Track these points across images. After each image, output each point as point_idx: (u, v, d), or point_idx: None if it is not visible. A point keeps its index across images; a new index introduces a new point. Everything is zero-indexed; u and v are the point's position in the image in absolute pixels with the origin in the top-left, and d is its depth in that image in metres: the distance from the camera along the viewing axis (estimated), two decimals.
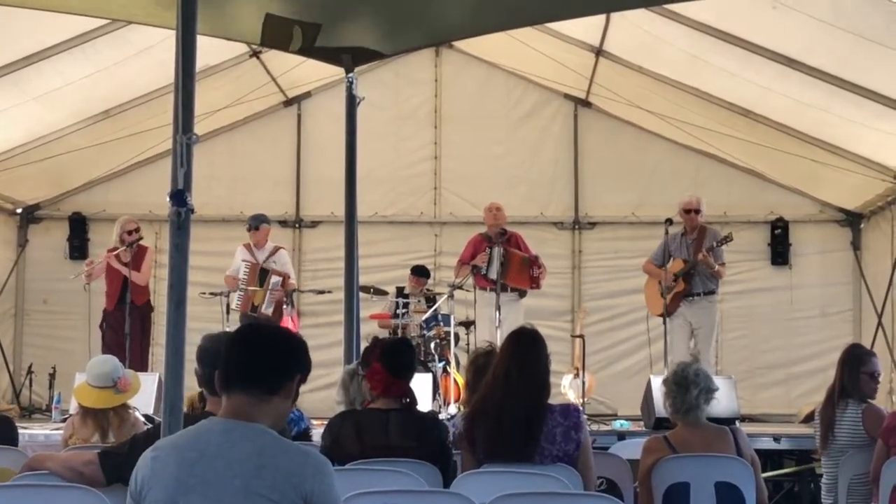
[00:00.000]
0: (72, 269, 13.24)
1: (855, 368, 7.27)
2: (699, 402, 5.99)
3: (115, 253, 11.94)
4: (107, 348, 11.52)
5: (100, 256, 12.46)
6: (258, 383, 3.42)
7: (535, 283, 12.12)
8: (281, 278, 12.24)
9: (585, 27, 12.17)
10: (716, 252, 11.49)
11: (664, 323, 11.59)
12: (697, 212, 11.71)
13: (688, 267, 11.49)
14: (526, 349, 5.52)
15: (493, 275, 11.93)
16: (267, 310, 12.03)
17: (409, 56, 13.75)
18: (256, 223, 12.45)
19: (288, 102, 14.94)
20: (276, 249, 12.61)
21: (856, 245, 14.29)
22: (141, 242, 12.12)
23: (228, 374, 3.46)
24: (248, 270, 12.21)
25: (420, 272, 13.32)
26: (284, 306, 12.25)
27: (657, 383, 9.66)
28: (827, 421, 7.30)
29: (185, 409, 4.88)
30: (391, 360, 5.75)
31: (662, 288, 11.62)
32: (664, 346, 11.61)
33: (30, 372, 13.87)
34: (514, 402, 5.39)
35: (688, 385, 6.01)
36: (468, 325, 12.64)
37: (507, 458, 5.36)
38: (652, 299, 11.97)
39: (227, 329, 10.04)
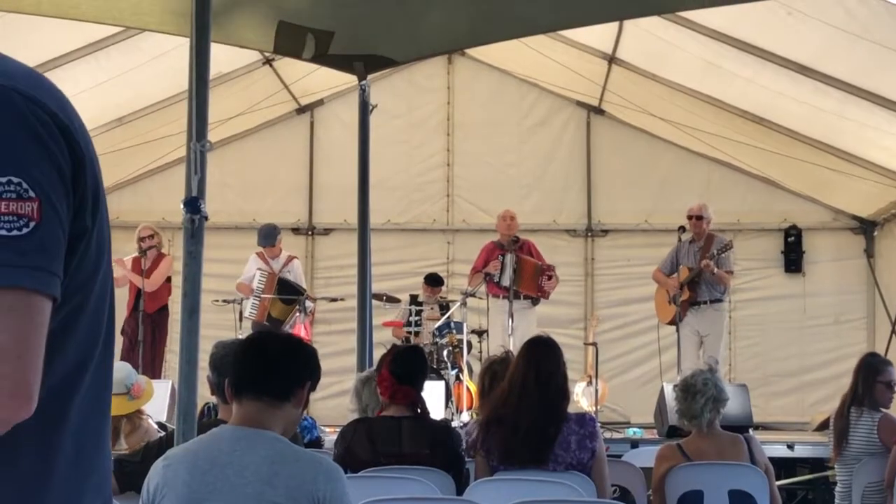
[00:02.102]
0: None
1: (870, 377, 7.25)
2: (704, 410, 5.97)
3: (131, 259, 11.98)
4: (123, 354, 11.56)
5: (113, 260, 12.46)
6: (270, 390, 3.42)
7: (542, 292, 12.10)
8: (314, 305, 12.27)
9: (598, 35, 12.15)
10: (721, 259, 11.44)
11: (677, 331, 11.57)
12: (699, 218, 11.66)
13: (692, 275, 11.47)
14: (543, 357, 5.52)
15: (506, 282, 11.93)
16: (290, 327, 12.02)
17: (422, 63, 13.74)
18: (272, 240, 12.38)
19: (301, 110, 14.95)
20: (290, 259, 12.60)
21: (869, 253, 14.25)
22: (163, 251, 12.15)
23: (240, 380, 3.46)
24: (263, 279, 12.18)
25: (433, 281, 13.31)
26: (298, 314, 12.23)
27: (670, 391, 9.64)
28: (841, 429, 7.28)
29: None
30: (398, 366, 5.75)
31: (670, 296, 11.63)
32: (677, 353, 11.58)
33: None
34: (532, 409, 5.39)
35: (694, 393, 6.00)
36: (481, 332, 12.63)
37: (522, 464, 5.36)
38: (661, 307, 11.96)
39: (240, 337, 10.04)
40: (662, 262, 11.97)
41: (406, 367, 5.77)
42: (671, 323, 11.76)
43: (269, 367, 3.46)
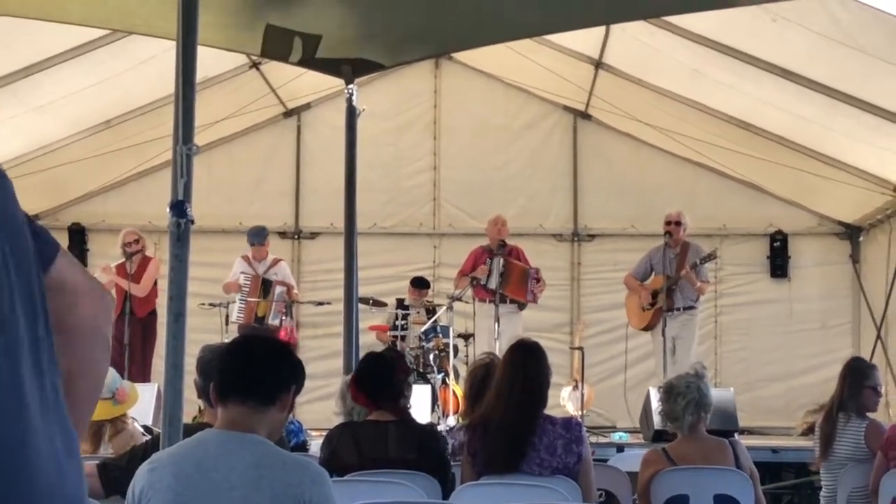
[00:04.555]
0: None
1: (858, 381, 7.23)
2: (686, 413, 5.97)
3: (116, 264, 11.98)
4: (112, 358, 11.53)
5: (98, 268, 12.46)
6: (255, 394, 3.41)
7: (532, 296, 12.13)
8: (285, 288, 12.26)
9: (585, 39, 12.19)
10: (699, 269, 11.51)
11: (662, 335, 11.58)
12: (678, 224, 11.72)
13: (670, 283, 11.51)
14: (527, 361, 5.52)
15: (493, 285, 11.94)
16: (273, 321, 12.03)
17: (409, 67, 13.73)
18: (262, 239, 12.40)
19: (288, 114, 14.94)
20: (276, 261, 12.61)
21: (855, 258, 14.29)
22: (147, 253, 12.16)
23: (225, 384, 3.45)
24: (248, 282, 12.21)
25: (420, 284, 13.30)
26: (283, 318, 12.24)
27: (655, 396, 9.66)
28: (827, 434, 7.26)
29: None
30: (357, 371, 5.82)
31: (644, 303, 11.69)
32: (662, 359, 11.60)
33: None
34: (515, 413, 5.39)
35: (676, 395, 6.01)
36: (467, 336, 12.63)
37: (508, 469, 5.36)
38: (633, 313, 11.99)
39: (227, 340, 10.02)
40: (635, 267, 12.03)
41: (359, 374, 5.80)
42: (646, 328, 11.82)
43: (254, 370, 3.45)
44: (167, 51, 9.48)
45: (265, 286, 12.22)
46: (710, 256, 11.57)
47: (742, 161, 13.33)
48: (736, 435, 9.12)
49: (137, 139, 12.81)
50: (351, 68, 8.64)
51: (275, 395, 3.43)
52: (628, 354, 13.60)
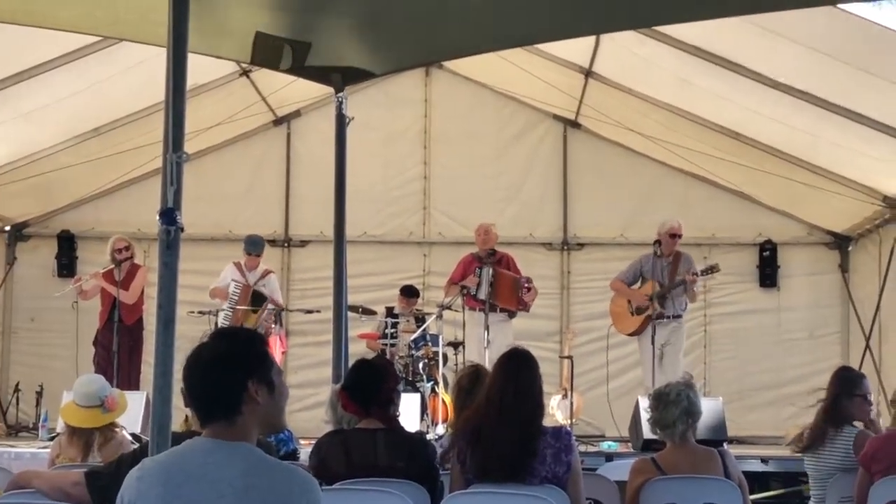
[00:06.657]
0: (60, 288, 13.21)
1: (849, 391, 7.19)
2: (676, 421, 5.99)
3: (104, 271, 11.96)
4: (96, 366, 11.55)
5: (88, 274, 12.46)
6: (216, 416, 3.36)
7: (522, 304, 12.12)
8: (275, 309, 12.27)
9: (575, 49, 12.19)
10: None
11: (652, 343, 11.57)
12: (680, 236, 11.79)
13: (664, 291, 11.52)
14: (520, 370, 5.51)
15: (483, 295, 11.93)
16: (258, 330, 12.02)
17: (399, 76, 13.73)
18: (259, 249, 12.44)
19: (277, 121, 14.94)
20: (266, 273, 12.60)
21: (844, 268, 14.32)
22: (136, 261, 12.16)
23: (195, 411, 3.43)
24: (238, 291, 12.20)
25: (409, 292, 13.29)
26: (273, 326, 12.23)
27: (645, 405, 9.65)
28: (816, 443, 7.22)
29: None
30: (347, 379, 5.82)
31: (633, 307, 11.68)
32: (651, 366, 11.60)
33: (17, 390, 13.81)
34: (509, 422, 5.37)
35: (667, 403, 6.02)
36: (457, 345, 12.62)
37: (498, 478, 5.34)
38: (620, 318, 11.97)
39: None
40: (623, 273, 12.01)
41: (349, 380, 5.79)
42: (633, 334, 11.82)
43: (203, 396, 3.38)
44: (156, 58, 9.45)
45: (255, 298, 12.21)
46: (713, 269, 11.59)
47: (732, 170, 13.35)
48: (725, 444, 9.13)
49: (127, 146, 12.79)
50: (341, 76, 8.62)
51: (234, 407, 3.35)
52: (618, 363, 13.62)
